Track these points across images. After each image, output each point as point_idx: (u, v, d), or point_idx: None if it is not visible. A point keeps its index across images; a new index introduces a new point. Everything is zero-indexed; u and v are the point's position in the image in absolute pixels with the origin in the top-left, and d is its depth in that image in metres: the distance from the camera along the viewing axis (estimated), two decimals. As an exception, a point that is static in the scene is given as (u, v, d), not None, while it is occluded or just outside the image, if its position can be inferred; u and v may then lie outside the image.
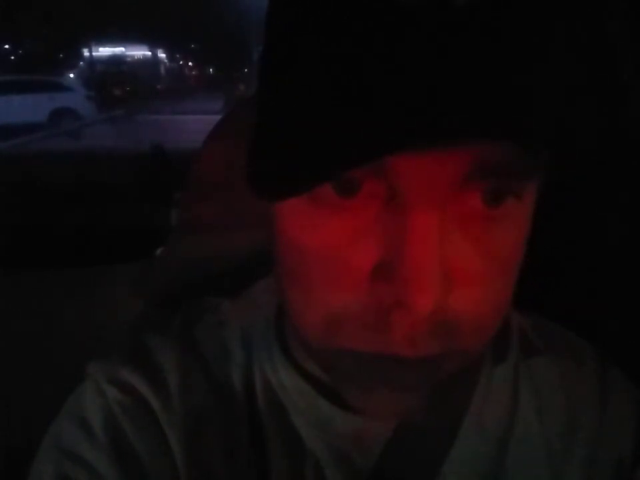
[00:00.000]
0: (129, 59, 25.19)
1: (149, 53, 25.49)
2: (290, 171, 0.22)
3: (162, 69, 26.50)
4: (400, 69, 0.20)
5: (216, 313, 0.39)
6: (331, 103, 0.21)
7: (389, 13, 0.20)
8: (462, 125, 0.19)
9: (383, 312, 0.25)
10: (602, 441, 0.36)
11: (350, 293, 0.25)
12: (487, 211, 0.24)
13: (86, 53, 22.65)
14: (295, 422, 0.34)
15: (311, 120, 0.21)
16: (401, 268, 0.22)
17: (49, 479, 0.32)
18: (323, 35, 0.22)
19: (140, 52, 25.36)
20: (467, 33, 0.20)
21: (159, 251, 0.98)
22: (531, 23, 0.21)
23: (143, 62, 25.14)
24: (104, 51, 23.91)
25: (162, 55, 26.73)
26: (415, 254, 0.22)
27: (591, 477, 0.35)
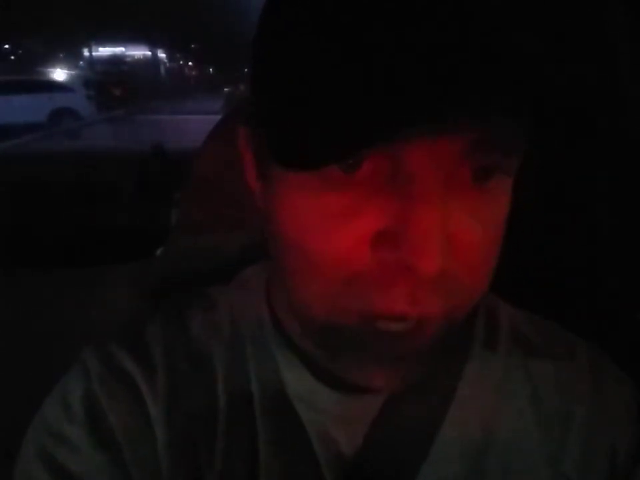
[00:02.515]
0: (128, 59, 25.19)
1: (149, 53, 25.49)
2: (321, 146, 0.24)
3: (162, 69, 26.50)
4: (422, 54, 0.22)
5: (205, 297, 0.40)
6: (354, 84, 0.23)
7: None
8: (482, 101, 0.21)
9: (385, 272, 0.26)
10: (596, 429, 0.36)
11: (352, 258, 0.27)
12: (479, 185, 0.27)
13: (86, 53, 22.66)
14: (286, 395, 0.35)
15: (338, 100, 0.23)
16: (408, 234, 0.24)
17: (31, 455, 0.33)
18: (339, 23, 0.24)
19: (140, 52, 25.37)
20: (473, 14, 0.22)
21: (159, 251, 0.98)
22: (527, 6, 0.24)
23: (143, 62, 25.15)
24: (104, 51, 23.93)
25: (162, 55, 26.73)
26: (421, 221, 0.24)
27: (585, 464, 0.35)
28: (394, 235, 0.25)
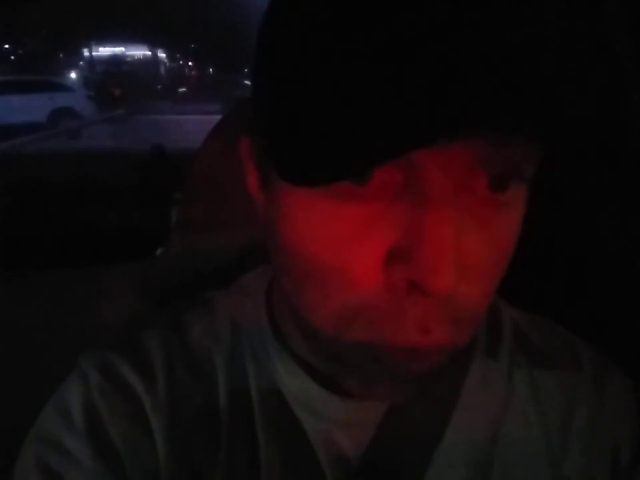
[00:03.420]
0: (128, 59, 25.18)
1: (149, 53, 25.48)
2: (331, 161, 0.22)
3: (162, 69, 26.47)
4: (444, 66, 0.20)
5: (205, 303, 0.40)
6: (371, 94, 0.21)
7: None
8: (496, 118, 0.20)
9: (397, 298, 0.25)
10: (597, 430, 0.36)
11: (365, 280, 0.25)
12: (494, 197, 0.25)
13: (86, 53, 22.67)
14: (287, 403, 0.35)
15: (353, 110, 0.21)
16: (419, 251, 0.23)
17: (30, 465, 0.32)
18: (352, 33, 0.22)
19: (140, 52, 25.36)
20: (495, 37, 0.21)
21: (159, 251, 0.98)
22: (543, 16, 0.22)
23: (143, 62, 25.14)
24: (104, 50, 23.92)
25: (162, 54, 26.72)
26: (433, 238, 0.23)
27: (587, 466, 0.35)
28: (405, 251, 0.24)
